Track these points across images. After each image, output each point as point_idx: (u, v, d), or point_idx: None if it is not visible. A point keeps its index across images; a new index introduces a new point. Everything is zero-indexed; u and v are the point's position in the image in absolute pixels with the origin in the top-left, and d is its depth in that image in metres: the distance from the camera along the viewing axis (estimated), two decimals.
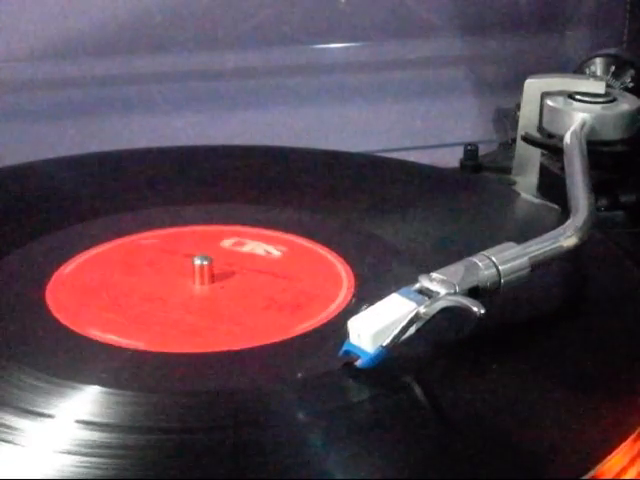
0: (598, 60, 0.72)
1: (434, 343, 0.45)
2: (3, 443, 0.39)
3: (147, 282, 0.51)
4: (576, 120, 0.63)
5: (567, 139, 0.61)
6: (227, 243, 0.56)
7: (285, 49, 0.85)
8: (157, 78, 0.83)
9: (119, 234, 0.56)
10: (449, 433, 0.40)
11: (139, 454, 0.38)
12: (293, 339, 0.46)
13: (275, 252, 0.55)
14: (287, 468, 0.38)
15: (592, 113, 0.64)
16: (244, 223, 0.58)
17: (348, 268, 0.53)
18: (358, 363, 0.42)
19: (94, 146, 0.73)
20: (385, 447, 0.39)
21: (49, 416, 0.40)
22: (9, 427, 0.40)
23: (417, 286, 0.44)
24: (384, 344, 0.42)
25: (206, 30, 0.83)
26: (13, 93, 0.80)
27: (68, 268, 0.53)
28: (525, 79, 0.68)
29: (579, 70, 0.73)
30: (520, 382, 0.43)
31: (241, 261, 0.54)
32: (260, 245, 0.56)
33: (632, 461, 0.40)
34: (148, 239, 0.56)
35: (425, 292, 0.44)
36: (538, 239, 0.48)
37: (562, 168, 0.61)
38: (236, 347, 0.46)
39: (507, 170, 0.70)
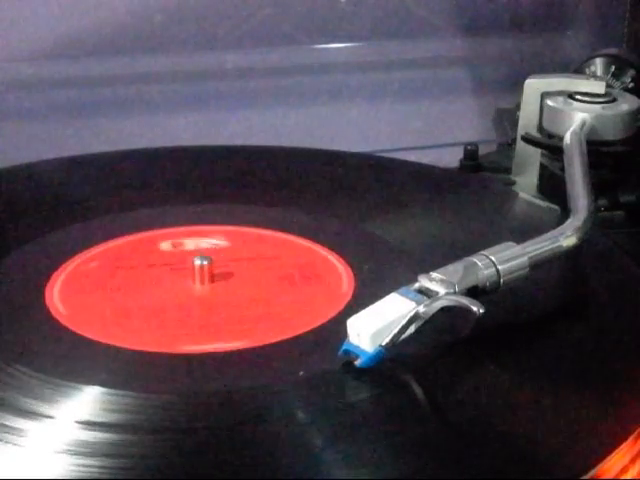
0: (598, 60, 0.72)
1: (434, 343, 0.45)
2: (3, 443, 0.39)
3: (147, 282, 0.51)
4: (576, 120, 0.63)
5: (567, 139, 0.61)
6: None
7: (285, 49, 0.85)
8: (157, 78, 0.83)
9: (119, 234, 0.56)
10: (449, 433, 0.40)
11: (139, 454, 0.39)
12: (293, 339, 0.46)
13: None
14: (287, 468, 0.38)
15: (592, 113, 0.64)
16: (243, 223, 0.58)
17: (348, 268, 0.53)
18: (357, 363, 0.42)
19: (94, 146, 0.73)
20: (385, 447, 0.39)
21: (49, 416, 0.40)
22: (9, 427, 0.40)
23: (416, 286, 0.44)
24: (383, 343, 0.42)
25: (206, 30, 0.83)
26: (13, 93, 0.80)
27: (68, 268, 0.53)
28: (525, 79, 0.68)
29: (579, 70, 0.73)
30: (520, 382, 0.43)
31: (240, 261, 0.54)
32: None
33: (632, 461, 0.40)
34: (148, 239, 0.56)
35: (424, 292, 0.44)
36: (538, 239, 0.48)
37: (562, 168, 0.61)
38: (236, 347, 0.46)
39: (507, 170, 0.69)
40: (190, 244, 0.55)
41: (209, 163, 0.68)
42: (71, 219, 0.58)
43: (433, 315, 0.43)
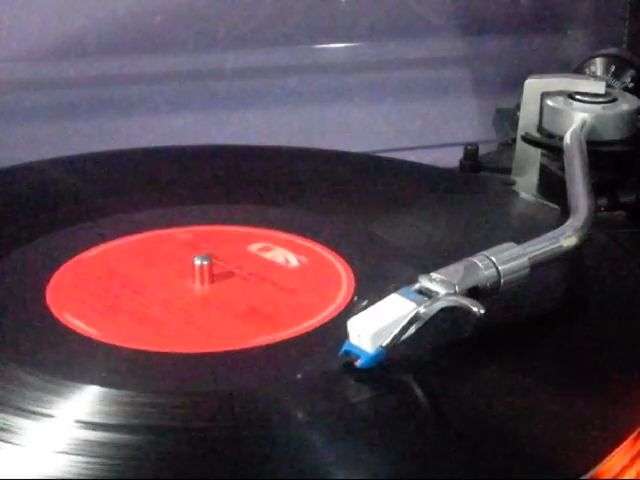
0: (598, 60, 0.72)
1: (434, 343, 0.45)
2: (3, 443, 0.39)
3: (147, 282, 0.51)
4: (576, 120, 0.63)
5: (567, 139, 0.61)
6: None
7: (285, 49, 0.85)
8: (157, 78, 0.83)
9: (118, 234, 0.56)
10: (449, 433, 0.40)
11: (139, 454, 0.38)
12: (293, 339, 0.46)
13: (275, 252, 0.55)
14: (287, 468, 0.38)
15: (592, 113, 0.64)
16: (243, 223, 0.58)
17: (348, 268, 0.53)
18: (358, 363, 0.42)
19: (94, 146, 0.73)
20: (385, 447, 0.39)
21: (49, 416, 0.40)
22: (9, 427, 0.40)
23: (417, 286, 0.44)
24: (384, 344, 0.42)
25: (206, 30, 0.83)
26: (13, 93, 0.80)
27: (68, 268, 0.53)
28: (525, 79, 0.68)
29: (579, 70, 0.73)
30: (520, 382, 0.43)
31: (241, 261, 0.54)
32: (259, 245, 0.56)
33: (632, 461, 0.40)
34: (147, 239, 0.56)
35: (425, 292, 0.44)
36: (538, 239, 0.48)
37: (562, 168, 0.61)
38: (236, 347, 0.46)
39: (507, 170, 0.69)
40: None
41: (209, 163, 0.68)
42: (71, 219, 0.58)
43: (433, 316, 0.43)
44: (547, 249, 0.48)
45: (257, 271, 0.53)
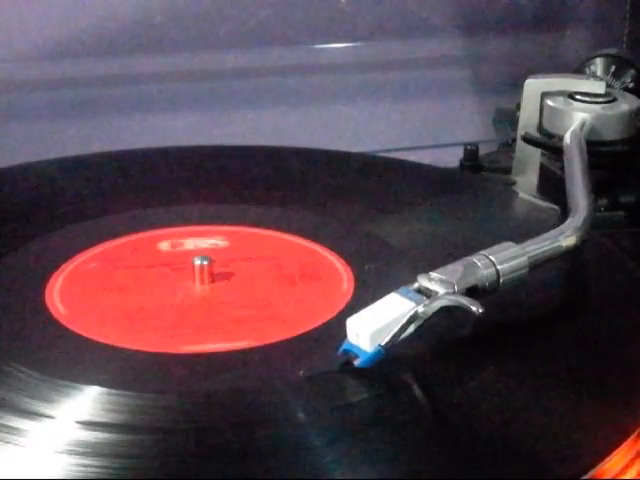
0: (598, 60, 0.72)
1: (433, 343, 0.45)
2: (3, 443, 0.39)
3: (147, 282, 0.51)
4: (576, 120, 0.63)
5: (567, 139, 0.61)
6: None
7: (285, 49, 0.85)
8: (157, 78, 0.83)
9: (119, 234, 0.56)
10: (448, 433, 0.40)
11: (139, 454, 0.39)
12: (293, 339, 0.46)
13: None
14: (287, 468, 0.38)
15: (592, 113, 0.64)
16: (243, 223, 0.58)
17: (348, 268, 0.53)
18: (357, 362, 0.42)
19: (94, 146, 0.73)
20: (385, 447, 0.39)
21: (49, 416, 0.40)
22: (9, 427, 0.40)
23: (416, 285, 0.44)
24: (382, 343, 0.42)
25: (206, 30, 0.83)
26: (13, 93, 0.81)
27: (68, 268, 0.53)
28: (525, 79, 0.68)
29: (579, 70, 0.73)
30: (519, 382, 0.43)
31: (241, 261, 0.54)
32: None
33: (632, 461, 0.40)
34: (148, 239, 0.56)
35: (424, 291, 0.44)
36: (537, 239, 0.48)
37: (562, 168, 0.61)
38: (236, 347, 0.46)
39: (507, 170, 0.69)
40: (189, 244, 0.55)
41: (209, 163, 0.68)
42: (71, 219, 0.58)
43: (432, 315, 0.43)
44: (546, 249, 0.48)
45: (257, 271, 0.53)
